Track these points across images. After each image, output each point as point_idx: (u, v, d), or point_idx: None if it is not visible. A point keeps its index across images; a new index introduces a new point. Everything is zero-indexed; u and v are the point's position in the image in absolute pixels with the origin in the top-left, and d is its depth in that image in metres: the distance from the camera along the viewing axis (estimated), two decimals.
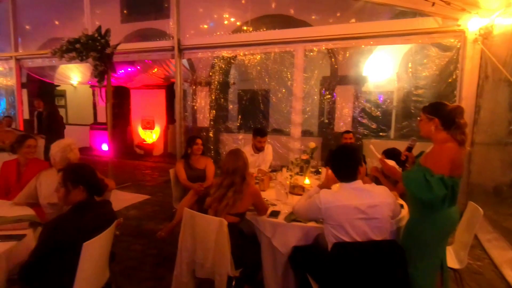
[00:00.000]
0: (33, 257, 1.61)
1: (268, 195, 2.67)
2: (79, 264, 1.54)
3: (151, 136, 8.92)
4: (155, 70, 7.49)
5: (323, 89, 6.51)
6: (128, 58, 6.05)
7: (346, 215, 1.66)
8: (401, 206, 2.19)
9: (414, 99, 5.77)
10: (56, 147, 2.38)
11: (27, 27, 8.29)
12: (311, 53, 5.59)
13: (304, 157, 3.17)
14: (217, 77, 7.08)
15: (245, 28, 6.54)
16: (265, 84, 6.95)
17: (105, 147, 8.24)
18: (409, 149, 1.99)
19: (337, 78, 6.33)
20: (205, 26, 6.95)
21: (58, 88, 11.22)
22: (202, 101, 7.18)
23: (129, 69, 7.64)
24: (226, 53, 5.55)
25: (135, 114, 9.15)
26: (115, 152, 6.44)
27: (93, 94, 9.58)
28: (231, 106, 7.62)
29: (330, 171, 2.00)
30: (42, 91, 10.50)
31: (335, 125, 6.34)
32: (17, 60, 7.37)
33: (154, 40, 6.73)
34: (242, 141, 6.75)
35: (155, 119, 8.89)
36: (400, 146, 2.44)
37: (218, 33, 6.62)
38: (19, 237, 1.84)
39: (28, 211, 2.24)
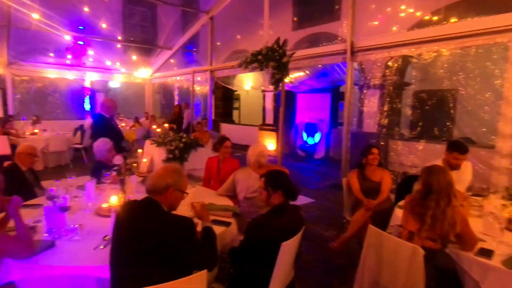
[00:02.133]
0: (241, 246, 2.02)
1: (472, 226, 2.25)
2: (276, 261, 1.78)
3: (313, 139, 9.36)
4: (323, 74, 7.79)
5: None
6: (298, 64, 6.56)
7: None
8: None
9: None
10: (252, 151, 2.89)
11: (218, 43, 10.40)
12: None
13: None
14: (390, 78, 6.61)
15: (426, 18, 5.80)
16: (456, 84, 5.91)
17: (271, 146, 9.28)
18: None
19: None
20: (375, 23, 6.63)
21: (235, 93, 13.57)
22: (372, 105, 6.90)
23: (297, 74, 8.29)
24: (406, 51, 5.08)
25: (299, 117, 9.84)
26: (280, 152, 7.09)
27: (264, 98, 10.96)
28: (406, 110, 6.93)
29: None
30: (225, 96, 13.04)
31: None
32: (211, 71, 9.41)
33: (322, 43, 7.00)
34: (422, 152, 6.00)
35: (319, 123, 9.26)
36: None
37: (394, 28, 6.17)
38: (227, 224, 2.32)
39: (230, 202, 2.80)
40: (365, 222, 2.97)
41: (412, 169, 5.77)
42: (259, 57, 5.61)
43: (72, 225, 1.98)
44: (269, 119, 10.44)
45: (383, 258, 1.99)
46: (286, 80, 5.76)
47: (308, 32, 8.37)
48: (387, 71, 6.65)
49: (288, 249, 1.82)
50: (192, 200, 2.13)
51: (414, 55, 5.63)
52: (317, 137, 9.28)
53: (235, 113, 14.56)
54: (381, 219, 2.87)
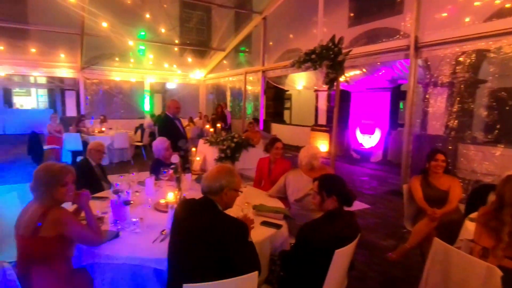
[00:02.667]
0: (292, 250, 2.01)
1: None
2: (329, 269, 1.74)
3: (369, 141, 8.94)
4: (382, 72, 7.39)
5: None
6: (355, 62, 6.32)
7: None
8: None
9: None
10: (305, 152, 2.85)
11: (270, 43, 10.48)
12: None
13: None
14: (462, 75, 6.01)
15: (508, 6, 5.17)
16: None
17: (323, 148, 9.08)
18: None
19: None
20: (444, 15, 6.09)
21: (286, 92, 13.55)
22: (439, 105, 6.34)
23: (352, 73, 7.99)
24: (483, 45, 4.58)
25: (354, 117, 9.48)
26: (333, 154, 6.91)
27: (316, 98, 10.76)
28: (481, 111, 6.22)
29: None
30: (276, 96, 13.10)
31: None
32: (263, 72, 9.52)
33: (382, 40, 6.64)
34: (500, 158, 5.36)
35: (376, 123, 8.81)
36: None
37: (467, 19, 5.62)
38: (278, 226, 2.32)
39: (280, 204, 2.80)
40: (429, 233, 2.75)
41: (486, 177, 5.19)
42: (313, 56, 5.54)
43: (134, 218, 2.15)
44: (322, 120, 10.23)
45: (450, 276, 1.82)
46: (341, 79, 5.59)
47: (365, 28, 8.02)
48: (457, 67, 6.05)
49: (342, 257, 1.77)
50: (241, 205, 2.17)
51: (491, 49, 5.02)
52: (374, 139, 8.83)
53: (286, 113, 14.56)
54: (448, 231, 2.63)
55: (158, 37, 10.78)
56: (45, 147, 7.60)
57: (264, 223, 2.31)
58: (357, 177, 7.12)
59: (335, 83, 5.32)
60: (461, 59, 5.95)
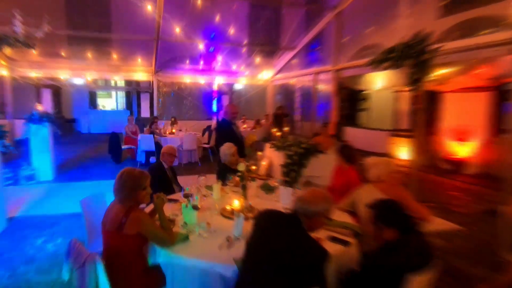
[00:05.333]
0: (360, 272, 1.98)
1: None
2: None
3: (463, 149, 8.12)
4: (481, 69, 6.68)
5: None
6: (446, 59, 5.83)
7: None
8: None
9: None
10: (373, 163, 2.80)
11: (344, 39, 10.21)
12: None
13: None
14: None
15: None
16: None
17: (404, 155, 8.55)
18: None
19: None
20: None
21: (361, 93, 13.06)
22: None
23: (443, 71, 7.37)
24: None
25: (444, 122, 8.72)
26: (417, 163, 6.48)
27: (397, 99, 10.18)
28: None
29: None
30: (350, 97, 12.73)
31: None
32: (335, 71, 9.36)
33: (479, 32, 6.00)
34: None
35: (472, 129, 7.97)
36: None
37: None
38: (346, 243, 2.33)
39: (349, 219, 2.78)
40: None
41: None
42: (392, 54, 5.28)
43: (201, 223, 2.39)
44: (403, 123, 9.64)
45: None
46: (428, 79, 5.23)
47: (459, 18, 7.34)
48: None
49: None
50: None
51: None
52: (470, 146, 8.00)
53: (361, 115, 14.03)
54: None
55: (226, 38, 11.41)
56: (123, 146, 8.68)
57: (331, 239, 2.34)
58: (445, 191, 6.52)
59: (419, 84, 5.01)
60: None
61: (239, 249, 1.94)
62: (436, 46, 4.90)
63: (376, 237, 1.96)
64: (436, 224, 4.61)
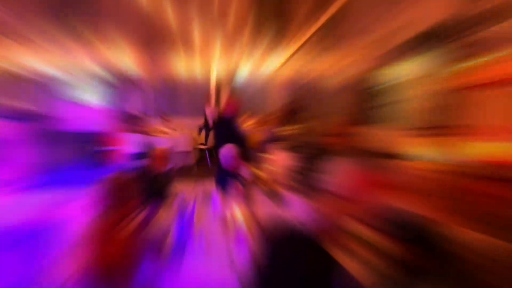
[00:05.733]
0: None
1: None
2: None
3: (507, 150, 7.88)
4: None
5: None
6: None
7: None
8: None
9: None
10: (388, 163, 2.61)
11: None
12: None
13: None
14: None
15: None
16: None
17: (431, 157, 8.33)
18: None
19: None
20: None
21: (381, 87, 12.84)
22: None
23: None
24: None
25: (483, 119, 8.48)
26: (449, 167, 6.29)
27: (422, 94, 9.93)
28: None
29: None
30: (366, 92, 12.48)
31: None
32: (349, 62, 9.12)
33: None
34: None
35: None
36: None
37: None
38: None
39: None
40: None
41: None
42: (432, 37, 5.08)
43: (199, 232, 2.33)
44: (429, 121, 9.40)
45: None
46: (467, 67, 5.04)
47: None
48: None
49: None
50: None
51: None
52: None
53: (379, 112, 13.82)
54: None
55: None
56: (105, 147, 8.63)
57: None
58: (489, 201, 6.28)
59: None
60: None
61: None
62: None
63: None
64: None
